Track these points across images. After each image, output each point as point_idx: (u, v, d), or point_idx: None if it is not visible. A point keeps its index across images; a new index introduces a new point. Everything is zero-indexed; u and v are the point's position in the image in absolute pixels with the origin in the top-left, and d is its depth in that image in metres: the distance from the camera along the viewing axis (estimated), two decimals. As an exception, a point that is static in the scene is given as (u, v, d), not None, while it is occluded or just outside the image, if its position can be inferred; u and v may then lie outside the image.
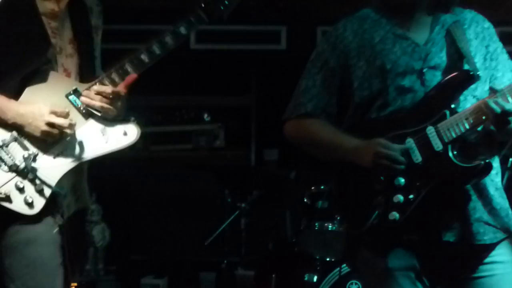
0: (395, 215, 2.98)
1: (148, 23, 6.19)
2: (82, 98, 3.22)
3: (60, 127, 3.15)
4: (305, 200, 5.63)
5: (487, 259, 3.07)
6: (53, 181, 3.16)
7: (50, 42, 3.21)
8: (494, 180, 3.12)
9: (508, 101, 2.90)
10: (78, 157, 3.21)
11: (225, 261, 6.15)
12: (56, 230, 3.18)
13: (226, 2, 3.24)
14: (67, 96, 3.22)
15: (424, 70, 3.08)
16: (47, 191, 3.15)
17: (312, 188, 5.62)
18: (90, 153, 3.23)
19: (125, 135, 3.24)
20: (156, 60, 3.24)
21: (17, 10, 3.17)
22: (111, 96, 3.21)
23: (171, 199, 6.79)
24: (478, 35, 3.15)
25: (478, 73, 3.00)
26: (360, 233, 3.04)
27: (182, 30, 3.24)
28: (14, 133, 3.16)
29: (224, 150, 7.00)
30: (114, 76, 3.23)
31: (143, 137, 3.28)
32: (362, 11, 3.23)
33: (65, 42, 3.27)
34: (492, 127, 2.93)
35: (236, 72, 7.11)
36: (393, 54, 3.10)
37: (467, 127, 2.95)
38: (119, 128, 3.25)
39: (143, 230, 6.83)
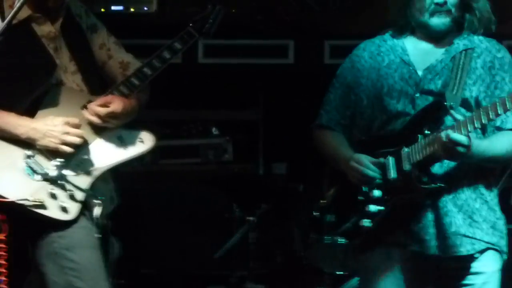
0: (365, 222, 3.33)
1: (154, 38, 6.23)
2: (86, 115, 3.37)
3: (75, 135, 3.27)
4: (314, 213, 5.62)
5: (470, 270, 3.29)
6: (83, 186, 3.31)
7: (55, 61, 3.35)
8: (484, 194, 3.33)
9: (460, 132, 3.10)
10: (100, 164, 3.37)
11: (234, 275, 6.14)
12: (95, 234, 3.32)
13: (211, 21, 3.61)
14: (82, 108, 3.39)
15: (416, 95, 3.31)
16: (80, 196, 3.28)
17: (321, 201, 5.62)
18: (111, 160, 3.40)
19: (141, 142, 3.43)
20: (157, 72, 3.50)
21: (17, 37, 3.24)
22: (107, 116, 3.39)
23: (180, 213, 6.79)
24: (486, 64, 3.33)
25: (451, 103, 3.21)
26: (336, 234, 3.51)
27: (177, 45, 3.54)
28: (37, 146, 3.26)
29: (233, 163, 7.01)
30: (122, 88, 3.44)
31: (151, 151, 3.41)
32: (388, 33, 3.46)
33: (67, 60, 3.41)
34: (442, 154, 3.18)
35: (243, 86, 7.12)
36: (392, 79, 3.36)
37: (427, 153, 3.20)
38: (136, 135, 3.43)
39: (152, 243, 6.83)
